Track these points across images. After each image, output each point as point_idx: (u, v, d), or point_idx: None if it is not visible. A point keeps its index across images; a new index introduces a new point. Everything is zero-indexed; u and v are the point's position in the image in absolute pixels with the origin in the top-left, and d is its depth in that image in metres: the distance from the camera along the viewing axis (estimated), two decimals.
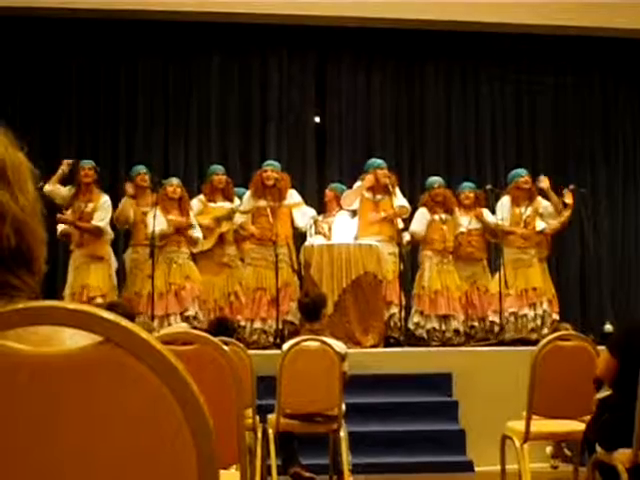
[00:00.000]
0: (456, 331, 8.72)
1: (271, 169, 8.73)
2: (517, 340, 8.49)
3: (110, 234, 8.63)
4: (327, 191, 9.43)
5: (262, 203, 8.61)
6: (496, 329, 8.71)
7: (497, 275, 8.81)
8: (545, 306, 8.78)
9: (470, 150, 11.50)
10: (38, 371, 0.98)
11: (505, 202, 8.97)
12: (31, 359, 0.98)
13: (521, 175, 9.04)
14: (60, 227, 8.40)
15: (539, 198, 8.97)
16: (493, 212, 9.03)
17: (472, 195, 9.11)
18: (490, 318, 8.81)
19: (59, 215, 8.27)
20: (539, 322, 8.70)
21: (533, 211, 8.91)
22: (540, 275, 8.87)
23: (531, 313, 8.74)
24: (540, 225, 8.95)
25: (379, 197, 8.85)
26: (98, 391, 0.98)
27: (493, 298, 8.80)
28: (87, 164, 8.59)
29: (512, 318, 8.70)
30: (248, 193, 8.77)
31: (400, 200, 8.85)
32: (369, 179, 8.88)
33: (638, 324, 4.06)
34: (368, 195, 8.89)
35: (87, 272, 8.29)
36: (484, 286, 8.96)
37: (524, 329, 8.68)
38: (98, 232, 8.33)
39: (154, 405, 0.99)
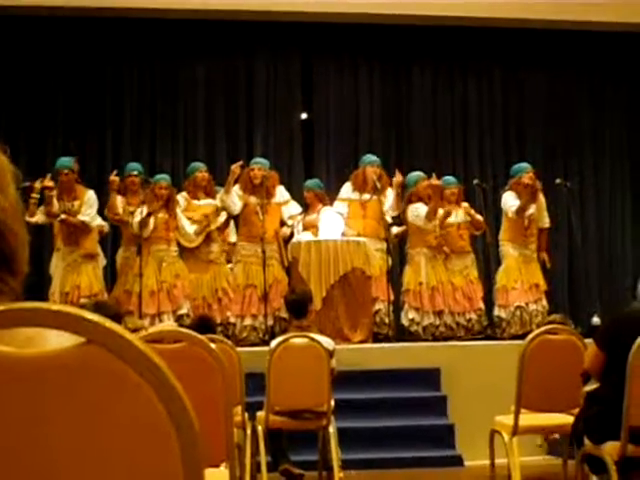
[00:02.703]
0: (449, 326, 8.71)
1: (258, 167, 8.74)
2: (523, 335, 8.34)
3: (105, 226, 8.61)
4: (305, 193, 9.21)
5: (251, 200, 8.60)
6: (503, 325, 8.71)
7: (501, 269, 8.83)
8: (544, 302, 8.80)
9: (457, 146, 11.50)
10: (20, 372, 0.97)
11: (509, 196, 8.89)
12: (13, 360, 0.98)
13: (522, 171, 8.92)
14: (38, 219, 8.18)
15: (540, 195, 8.92)
16: (479, 209, 9.05)
17: (457, 190, 9.12)
18: (495, 313, 8.82)
19: (47, 208, 8.13)
20: (540, 318, 8.66)
21: (538, 208, 8.87)
22: (539, 271, 8.88)
23: (537, 308, 8.72)
24: (546, 222, 8.96)
25: (366, 197, 8.83)
26: (81, 392, 0.98)
27: (498, 293, 8.82)
28: (64, 167, 8.31)
29: (518, 312, 8.69)
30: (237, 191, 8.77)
31: (390, 202, 8.81)
32: (355, 175, 8.91)
33: (625, 316, 4.06)
34: (354, 195, 8.89)
35: (78, 271, 8.23)
36: (476, 278, 8.97)
37: (531, 323, 8.60)
38: (85, 227, 8.28)
39: (137, 405, 0.99)
